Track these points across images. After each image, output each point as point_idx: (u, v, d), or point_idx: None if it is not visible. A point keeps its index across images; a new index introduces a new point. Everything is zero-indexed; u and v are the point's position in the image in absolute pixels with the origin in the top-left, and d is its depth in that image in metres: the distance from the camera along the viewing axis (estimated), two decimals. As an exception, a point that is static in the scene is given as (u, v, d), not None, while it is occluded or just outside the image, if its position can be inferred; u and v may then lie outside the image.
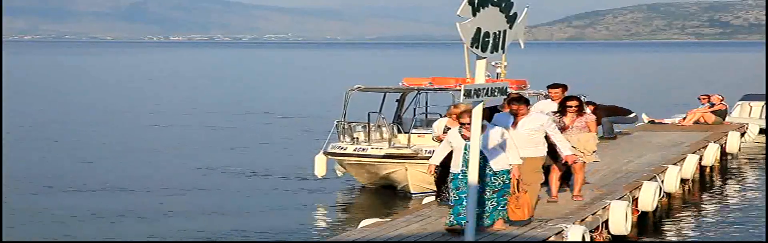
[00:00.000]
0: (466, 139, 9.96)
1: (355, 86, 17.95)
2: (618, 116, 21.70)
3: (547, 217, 11.22)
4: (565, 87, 13.28)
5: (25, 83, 62.66)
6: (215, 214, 15.57)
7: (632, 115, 22.00)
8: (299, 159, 21.07)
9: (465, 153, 10.02)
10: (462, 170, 10.10)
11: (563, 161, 11.69)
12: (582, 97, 21.08)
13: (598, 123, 20.78)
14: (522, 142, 10.84)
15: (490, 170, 10.13)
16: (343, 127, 17.41)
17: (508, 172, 10.21)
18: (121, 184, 18.68)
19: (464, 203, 9.89)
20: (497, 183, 10.21)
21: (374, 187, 17.44)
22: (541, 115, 11.41)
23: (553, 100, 13.09)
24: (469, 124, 9.74)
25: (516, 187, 10.23)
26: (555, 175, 12.24)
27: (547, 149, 11.35)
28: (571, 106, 12.18)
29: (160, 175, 20.20)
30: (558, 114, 12.17)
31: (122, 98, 47.32)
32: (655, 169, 15.83)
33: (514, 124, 11.01)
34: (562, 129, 11.90)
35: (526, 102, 11.15)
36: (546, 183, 12.37)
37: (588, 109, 13.01)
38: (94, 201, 16.79)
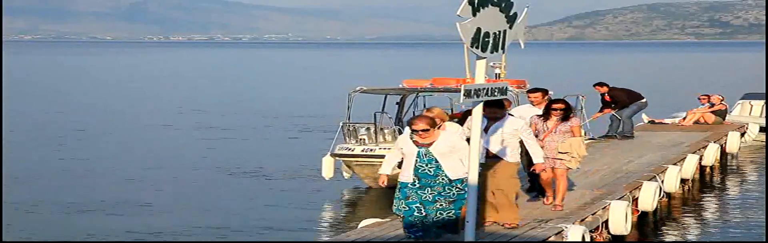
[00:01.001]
0: (419, 145, 9.50)
1: (358, 88, 18.00)
2: (634, 103, 21.00)
3: (547, 217, 11.22)
4: (545, 91, 13.14)
5: (26, 83, 62.67)
6: (220, 215, 15.58)
7: (644, 100, 21.37)
8: (305, 160, 21.08)
9: (417, 160, 9.50)
10: (414, 180, 9.52)
11: (532, 169, 11.05)
12: (579, 97, 21.08)
13: (624, 105, 20.55)
14: (496, 147, 10.42)
15: (444, 179, 9.51)
16: (349, 129, 17.46)
17: (462, 180, 9.52)
18: (124, 184, 18.69)
19: (415, 214, 9.49)
20: (452, 192, 9.54)
21: (381, 188, 17.47)
22: (516, 119, 10.90)
23: (533, 104, 12.93)
24: (423, 130, 9.39)
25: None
26: (546, 175, 11.63)
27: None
28: (556, 109, 11.57)
29: (164, 176, 20.20)
30: (542, 117, 11.67)
31: (123, 98, 47.29)
32: (655, 169, 15.83)
33: (488, 128, 10.44)
34: (545, 133, 11.47)
35: (503, 105, 10.60)
36: (537, 189, 12.20)
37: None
38: (97, 201, 16.79)
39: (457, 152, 9.49)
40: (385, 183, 9.83)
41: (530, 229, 10.56)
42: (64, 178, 19.71)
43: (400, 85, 18.75)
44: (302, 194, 17.74)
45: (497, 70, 19.49)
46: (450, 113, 14.28)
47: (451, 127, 10.41)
